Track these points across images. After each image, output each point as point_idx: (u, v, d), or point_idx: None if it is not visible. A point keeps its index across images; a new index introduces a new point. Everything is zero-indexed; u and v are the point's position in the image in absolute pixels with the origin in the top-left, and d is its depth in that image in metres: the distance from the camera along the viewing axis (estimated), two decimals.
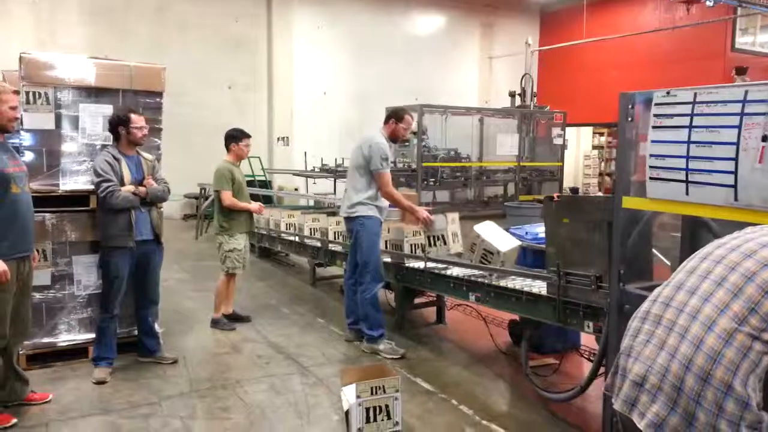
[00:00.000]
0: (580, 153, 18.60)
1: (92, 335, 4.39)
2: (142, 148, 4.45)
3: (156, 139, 4.78)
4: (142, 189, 4.27)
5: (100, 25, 12.24)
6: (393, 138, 4.97)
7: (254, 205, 5.65)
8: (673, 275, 1.91)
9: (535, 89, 15.50)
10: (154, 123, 4.71)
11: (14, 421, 3.55)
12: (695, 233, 2.99)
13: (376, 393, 3.48)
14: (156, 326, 4.66)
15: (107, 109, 4.46)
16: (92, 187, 4.25)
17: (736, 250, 1.77)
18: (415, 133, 12.45)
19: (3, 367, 3.61)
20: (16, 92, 3.64)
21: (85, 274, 4.48)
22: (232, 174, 5.44)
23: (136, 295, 4.52)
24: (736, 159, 2.41)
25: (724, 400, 1.57)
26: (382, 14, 15.51)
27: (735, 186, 2.43)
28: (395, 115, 4.93)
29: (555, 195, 4.12)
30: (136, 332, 4.62)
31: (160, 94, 4.80)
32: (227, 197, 5.40)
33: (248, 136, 5.61)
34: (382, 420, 3.52)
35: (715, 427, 1.58)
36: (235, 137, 5.55)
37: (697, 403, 1.60)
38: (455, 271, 4.83)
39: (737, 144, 2.40)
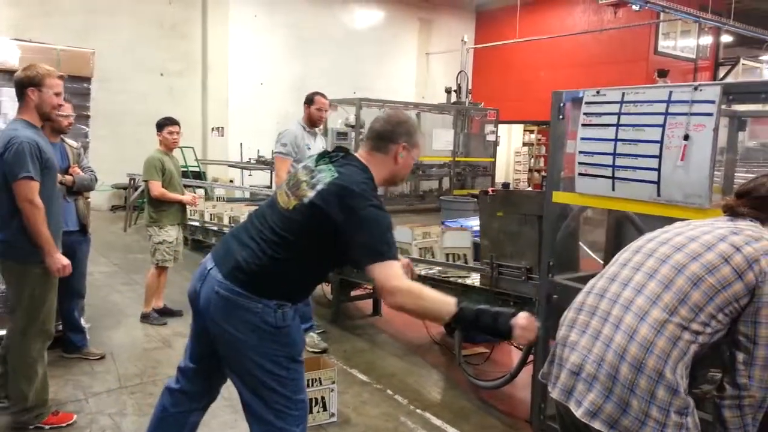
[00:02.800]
0: (510, 149, 19.07)
1: None
2: (69, 135, 4.26)
3: (84, 127, 4.59)
4: (68, 178, 4.09)
5: (23, 7, 11.58)
6: (311, 122, 4.99)
7: (187, 197, 5.50)
8: (606, 268, 1.97)
9: (470, 86, 15.76)
10: (82, 110, 4.53)
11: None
12: (621, 227, 3.14)
13: (312, 385, 3.49)
14: (82, 321, 4.50)
15: None
16: None
17: (667, 243, 1.84)
18: (353, 126, 12.46)
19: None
20: (62, 77, 3.29)
21: None
22: (162, 164, 5.27)
23: (61, 288, 4.27)
24: (659, 156, 2.54)
25: (656, 387, 1.63)
26: (322, 5, 15.36)
27: (658, 182, 2.55)
28: (306, 100, 5.01)
29: (491, 189, 4.22)
30: (61, 327, 4.42)
31: (88, 80, 4.61)
32: (155, 188, 5.23)
33: (174, 124, 5.37)
34: (318, 411, 3.54)
35: (647, 413, 1.63)
36: (159, 125, 5.37)
37: (631, 391, 1.66)
38: None
39: (661, 142, 2.53)
